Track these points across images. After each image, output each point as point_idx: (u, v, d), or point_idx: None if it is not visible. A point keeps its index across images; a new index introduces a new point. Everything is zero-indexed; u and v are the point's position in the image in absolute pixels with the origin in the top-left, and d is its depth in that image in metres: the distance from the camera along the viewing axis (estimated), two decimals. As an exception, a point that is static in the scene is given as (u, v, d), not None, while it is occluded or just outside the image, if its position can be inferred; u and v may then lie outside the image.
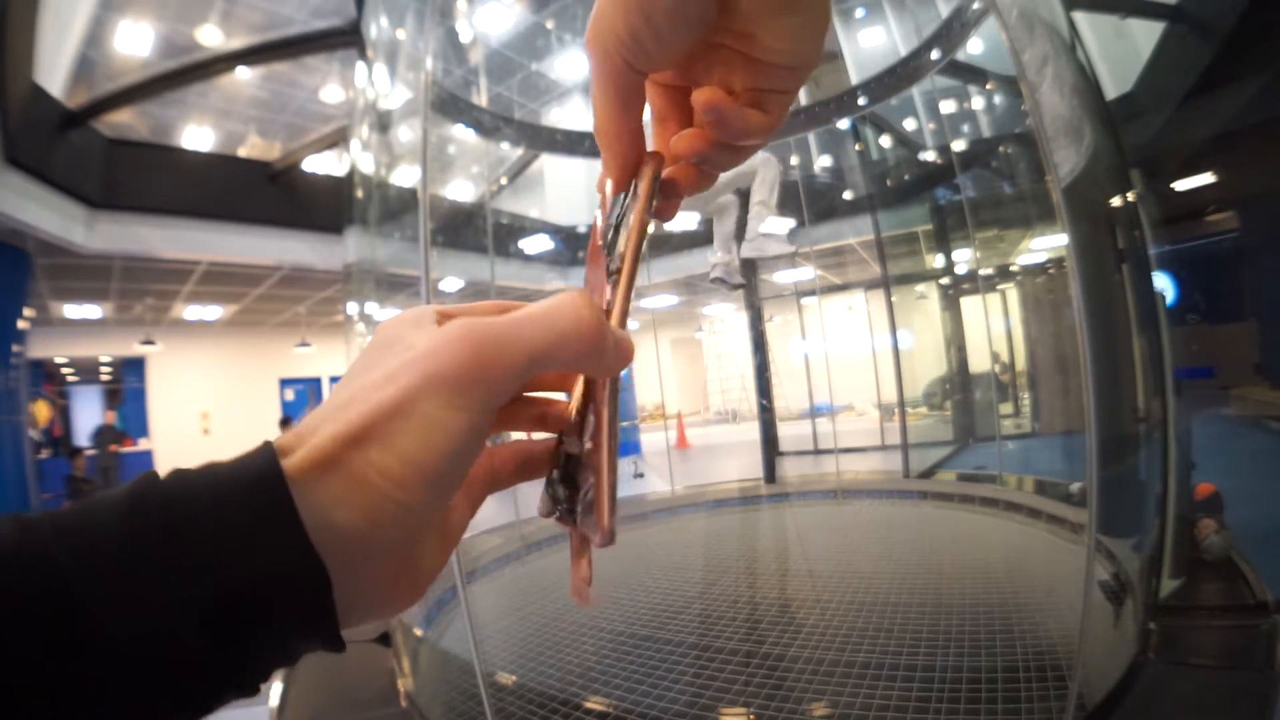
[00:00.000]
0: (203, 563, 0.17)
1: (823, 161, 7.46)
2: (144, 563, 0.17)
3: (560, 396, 0.30)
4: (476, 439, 0.21)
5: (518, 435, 0.31)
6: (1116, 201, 2.75)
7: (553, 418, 0.30)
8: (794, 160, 7.25)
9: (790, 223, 6.34)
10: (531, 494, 0.31)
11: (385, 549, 0.20)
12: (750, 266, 6.50)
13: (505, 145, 6.01)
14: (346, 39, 5.48)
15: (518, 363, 0.21)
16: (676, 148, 0.27)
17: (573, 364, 0.24)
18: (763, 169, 2.86)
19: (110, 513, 0.18)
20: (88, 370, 10.93)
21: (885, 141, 6.63)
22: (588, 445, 0.27)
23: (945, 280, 6.19)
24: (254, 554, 0.18)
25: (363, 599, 0.21)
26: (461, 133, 5.77)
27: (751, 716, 2.04)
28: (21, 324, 6.05)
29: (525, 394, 0.30)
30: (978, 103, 6.34)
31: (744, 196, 3.06)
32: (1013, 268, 5.69)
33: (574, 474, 0.27)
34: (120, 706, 0.17)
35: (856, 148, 6.24)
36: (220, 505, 0.18)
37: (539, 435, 0.30)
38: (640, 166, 0.28)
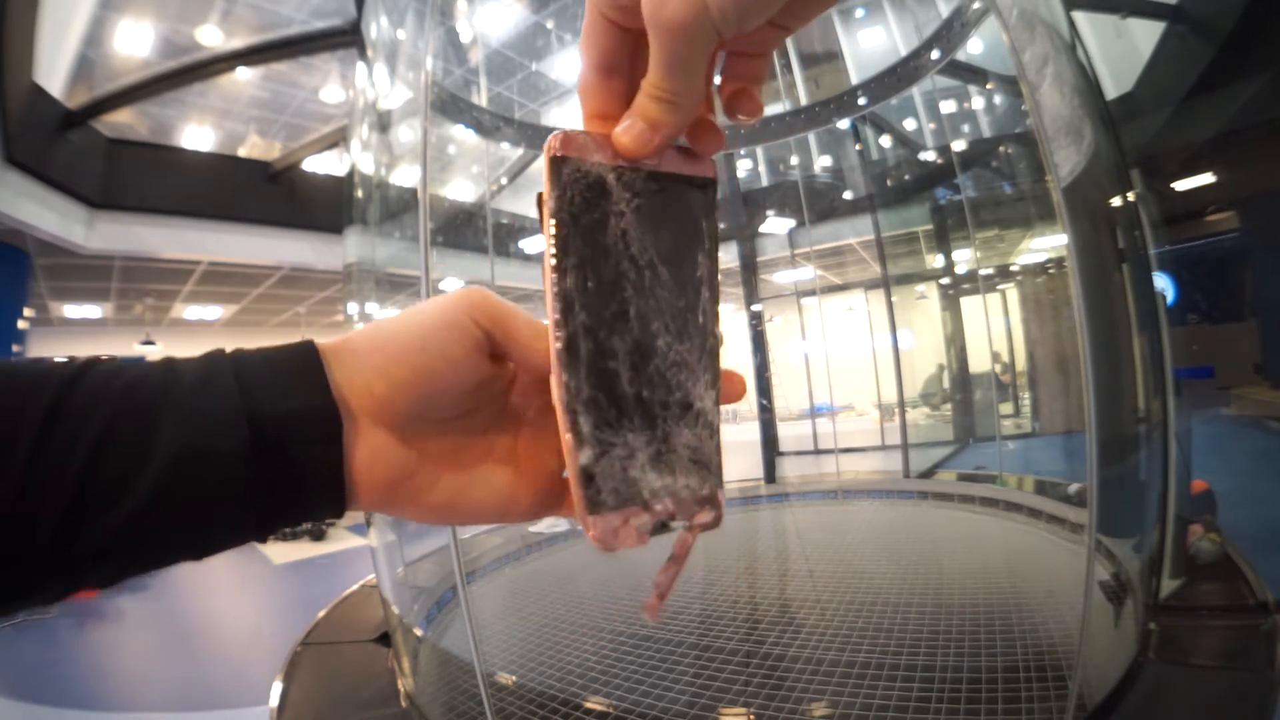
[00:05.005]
0: (254, 395, 0.24)
1: (823, 161, 7.46)
2: (210, 391, 0.23)
3: None
4: (446, 352, 0.26)
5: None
6: (1116, 201, 2.74)
7: None
8: (794, 160, 7.26)
9: (790, 223, 6.35)
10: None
11: (378, 416, 0.26)
12: (751, 266, 6.51)
13: (505, 145, 6.01)
14: (346, 39, 5.48)
15: (501, 316, 0.27)
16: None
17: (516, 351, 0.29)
18: None
19: (189, 362, 0.25)
20: (88, 370, 10.92)
21: (885, 141, 6.63)
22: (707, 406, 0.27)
23: (945, 280, 6.18)
24: (291, 394, 0.24)
25: (370, 469, 0.26)
26: (461, 133, 5.77)
27: (751, 716, 2.04)
28: (21, 324, 6.06)
29: None
30: (978, 103, 6.35)
31: None
32: (1013, 268, 5.69)
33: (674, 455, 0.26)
34: (173, 505, 0.22)
35: (856, 148, 6.24)
36: (270, 363, 0.25)
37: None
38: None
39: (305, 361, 0.26)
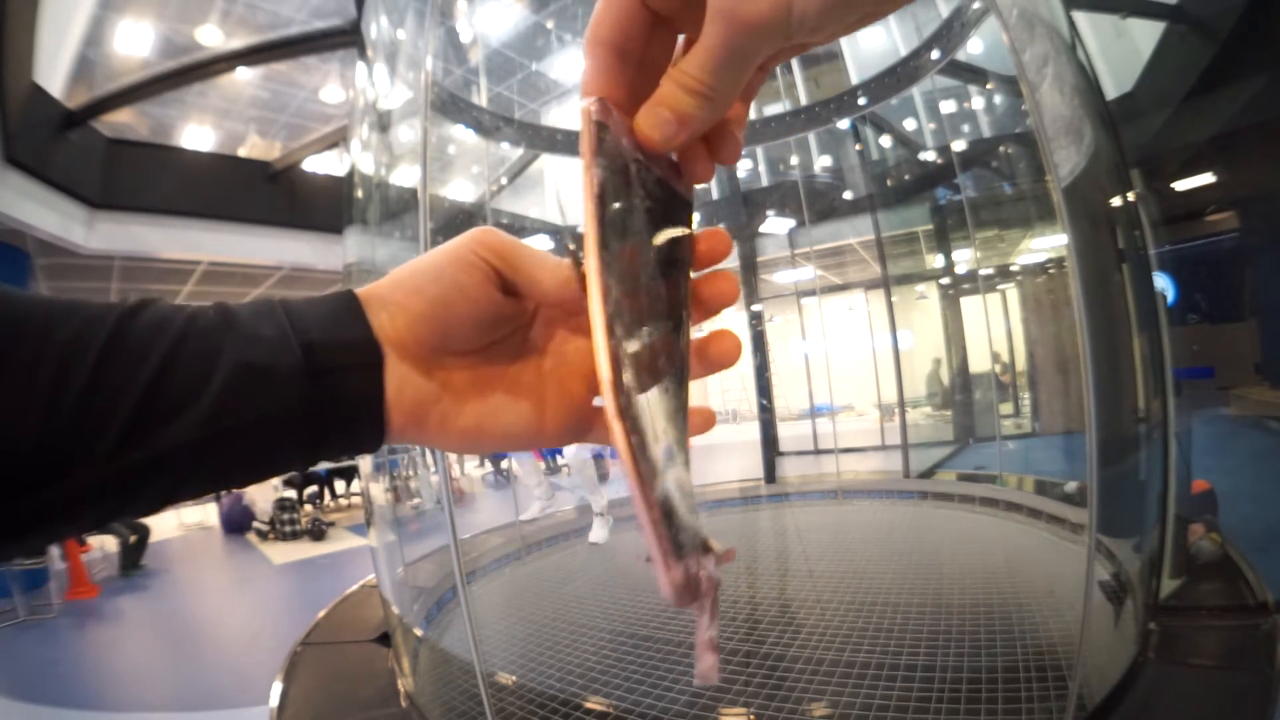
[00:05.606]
0: (302, 327, 0.26)
1: (823, 161, 7.46)
2: (265, 321, 0.25)
3: None
4: (463, 290, 0.28)
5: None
6: (1116, 201, 2.74)
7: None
8: (794, 160, 7.25)
9: (790, 223, 6.35)
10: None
11: (401, 349, 0.28)
12: (751, 266, 6.51)
13: (505, 145, 6.01)
14: (346, 39, 5.48)
15: (508, 250, 0.29)
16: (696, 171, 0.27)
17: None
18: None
19: (240, 305, 0.27)
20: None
21: (885, 141, 6.63)
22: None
23: (945, 280, 6.18)
24: (335, 327, 0.27)
25: (400, 395, 0.27)
26: (461, 133, 5.77)
27: (751, 716, 2.04)
28: (21, 324, 6.04)
29: None
30: (978, 103, 6.34)
31: None
32: (1013, 268, 5.69)
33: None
34: (235, 416, 0.24)
35: (856, 148, 6.24)
36: (313, 305, 0.27)
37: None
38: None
39: (345, 302, 0.28)
